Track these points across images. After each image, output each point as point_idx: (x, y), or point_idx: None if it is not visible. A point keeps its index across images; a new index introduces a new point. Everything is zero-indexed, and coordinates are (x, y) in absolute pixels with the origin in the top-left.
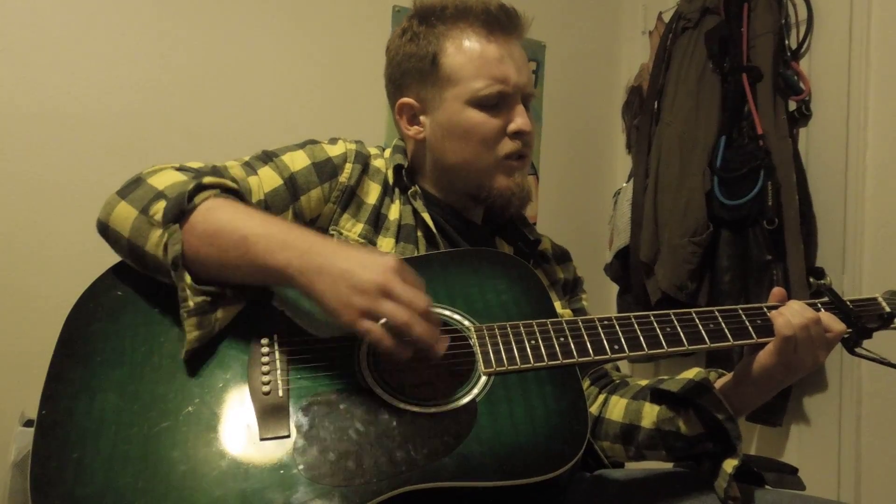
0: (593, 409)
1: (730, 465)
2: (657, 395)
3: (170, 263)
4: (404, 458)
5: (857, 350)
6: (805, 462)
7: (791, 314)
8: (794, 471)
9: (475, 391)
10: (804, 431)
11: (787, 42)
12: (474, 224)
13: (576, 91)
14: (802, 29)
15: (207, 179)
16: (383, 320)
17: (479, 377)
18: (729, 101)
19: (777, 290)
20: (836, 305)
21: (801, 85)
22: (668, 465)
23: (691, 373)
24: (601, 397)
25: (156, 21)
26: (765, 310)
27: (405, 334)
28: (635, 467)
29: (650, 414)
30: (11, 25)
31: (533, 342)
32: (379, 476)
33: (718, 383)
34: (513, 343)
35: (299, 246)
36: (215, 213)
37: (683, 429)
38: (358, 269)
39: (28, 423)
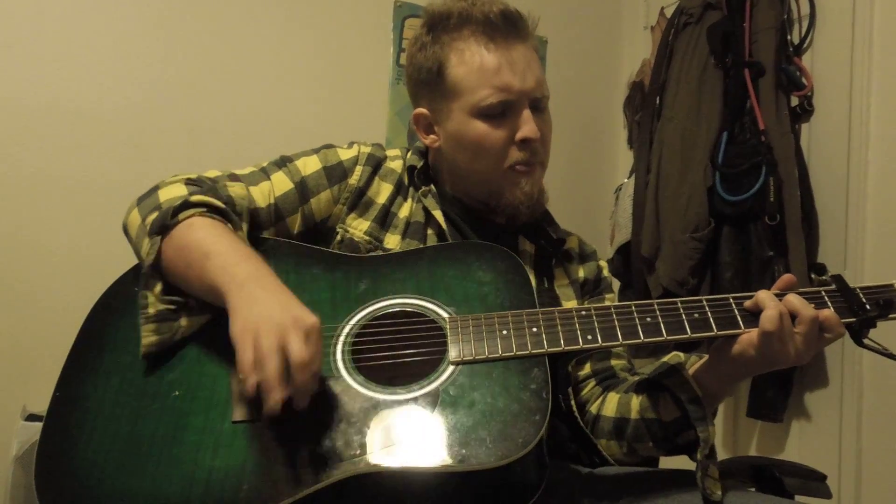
0: (592, 409)
1: (701, 453)
2: (640, 383)
3: (144, 270)
4: (360, 444)
5: (866, 342)
6: (806, 458)
7: (777, 307)
8: (822, 478)
9: (441, 379)
10: (805, 427)
11: (789, 37)
12: (493, 223)
13: (577, 86)
14: (805, 24)
15: (196, 198)
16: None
17: (448, 366)
18: (731, 97)
19: (787, 277)
20: (842, 294)
21: (804, 80)
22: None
23: (669, 356)
24: (601, 396)
25: (158, 19)
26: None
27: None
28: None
29: (636, 405)
30: (14, 22)
31: (504, 332)
32: (333, 459)
33: (696, 366)
34: (484, 333)
35: (242, 274)
36: (192, 231)
37: (663, 415)
38: (266, 321)
39: (29, 418)
